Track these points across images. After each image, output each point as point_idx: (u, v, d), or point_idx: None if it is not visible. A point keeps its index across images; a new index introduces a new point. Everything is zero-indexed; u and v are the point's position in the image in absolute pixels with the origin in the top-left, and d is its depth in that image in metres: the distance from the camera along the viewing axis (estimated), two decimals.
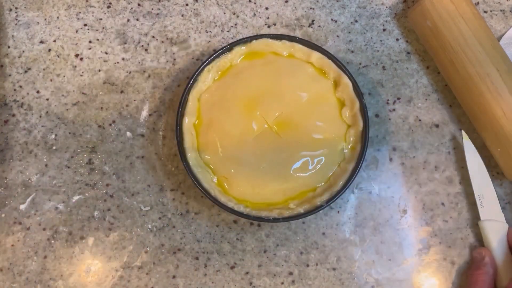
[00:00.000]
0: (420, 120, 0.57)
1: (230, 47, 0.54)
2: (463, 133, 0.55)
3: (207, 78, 0.54)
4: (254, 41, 0.54)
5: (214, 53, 0.53)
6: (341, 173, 0.52)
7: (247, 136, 0.53)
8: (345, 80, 0.52)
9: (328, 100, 0.53)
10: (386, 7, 0.60)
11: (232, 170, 0.52)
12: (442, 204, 0.56)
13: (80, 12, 0.60)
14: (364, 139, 0.51)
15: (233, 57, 0.54)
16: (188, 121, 0.52)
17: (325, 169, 0.52)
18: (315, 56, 0.54)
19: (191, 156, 0.52)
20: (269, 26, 0.59)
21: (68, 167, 0.56)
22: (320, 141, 0.52)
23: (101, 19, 0.59)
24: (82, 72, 0.58)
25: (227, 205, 0.51)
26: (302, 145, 0.52)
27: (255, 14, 0.59)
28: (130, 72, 0.58)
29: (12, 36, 0.59)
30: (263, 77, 0.54)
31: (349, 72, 0.52)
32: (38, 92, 0.58)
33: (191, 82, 0.53)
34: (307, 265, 0.55)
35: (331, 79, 0.54)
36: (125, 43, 0.59)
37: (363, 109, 0.52)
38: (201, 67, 0.53)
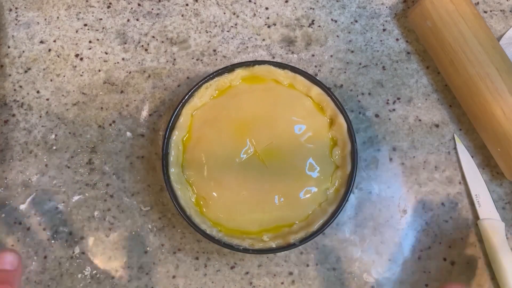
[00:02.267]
0: (420, 120, 0.57)
1: (231, 68, 0.53)
2: (455, 136, 0.56)
3: (204, 95, 0.53)
4: (257, 66, 0.53)
5: (215, 72, 0.53)
6: (320, 213, 0.51)
7: (233, 160, 0.52)
8: (341, 120, 0.51)
9: (321, 137, 0.52)
10: (386, 7, 0.60)
11: (212, 192, 0.51)
12: (442, 204, 0.56)
13: (80, 12, 0.60)
14: (349, 183, 0.50)
15: (234, 78, 0.53)
16: (177, 135, 0.52)
17: (305, 206, 0.51)
18: (315, 91, 0.53)
19: (173, 171, 0.51)
20: (269, 26, 0.59)
21: (68, 167, 0.56)
22: (305, 177, 0.51)
23: (101, 19, 0.59)
24: (82, 72, 0.58)
25: (200, 227, 0.50)
26: (286, 178, 0.51)
27: (255, 14, 0.59)
28: (130, 72, 0.58)
29: (12, 36, 0.59)
30: (260, 103, 0.53)
31: (346, 113, 0.52)
32: (38, 92, 0.58)
33: (186, 97, 0.52)
34: (307, 265, 0.55)
35: (327, 116, 0.53)
36: (125, 43, 0.59)
37: (354, 153, 0.51)
38: (200, 84, 0.52)
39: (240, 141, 0.52)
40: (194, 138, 0.53)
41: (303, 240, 0.50)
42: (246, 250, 0.50)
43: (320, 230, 0.50)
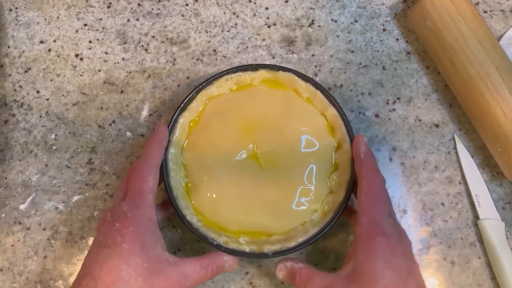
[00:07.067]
0: (420, 120, 0.57)
1: (256, 67, 0.53)
2: (455, 136, 0.56)
3: (222, 85, 0.53)
4: (281, 72, 0.53)
5: (239, 66, 0.53)
6: (301, 232, 0.50)
7: (232, 156, 0.52)
8: (347, 146, 0.51)
9: (324, 158, 0.52)
10: (386, 7, 0.60)
11: (203, 182, 0.51)
12: (442, 204, 0.56)
13: (80, 12, 0.60)
14: (337, 211, 0.50)
15: (255, 77, 0.53)
16: (186, 117, 0.52)
17: (289, 221, 0.51)
18: (331, 111, 0.52)
19: (172, 151, 0.51)
20: (269, 26, 0.59)
21: (68, 167, 0.56)
22: (297, 193, 0.51)
23: (101, 19, 0.59)
24: (82, 72, 0.58)
25: (182, 211, 0.50)
26: (279, 188, 0.51)
27: (255, 14, 0.60)
28: (130, 72, 0.58)
29: (12, 36, 0.59)
30: (274, 109, 0.52)
31: None
32: (38, 92, 0.58)
33: (204, 83, 0.53)
34: None
35: (336, 139, 0.52)
36: (125, 43, 0.59)
37: (350, 183, 0.50)
38: (222, 73, 0.53)
39: (244, 139, 0.52)
40: (202, 124, 0.53)
41: (277, 253, 0.49)
42: (218, 246, 0.49)
43: (297, 248, 0.49)
